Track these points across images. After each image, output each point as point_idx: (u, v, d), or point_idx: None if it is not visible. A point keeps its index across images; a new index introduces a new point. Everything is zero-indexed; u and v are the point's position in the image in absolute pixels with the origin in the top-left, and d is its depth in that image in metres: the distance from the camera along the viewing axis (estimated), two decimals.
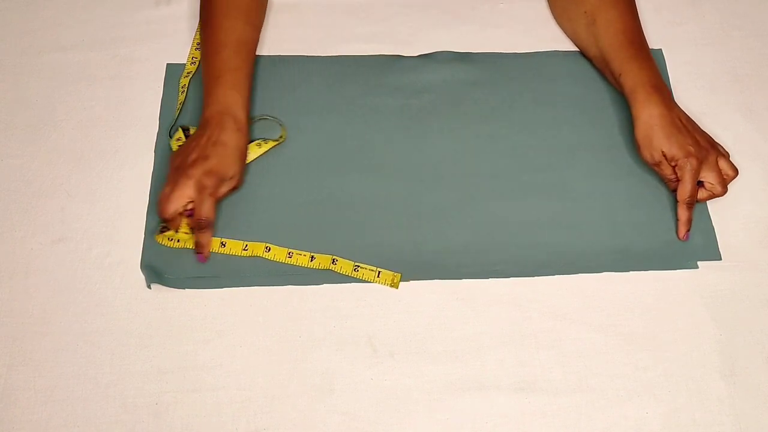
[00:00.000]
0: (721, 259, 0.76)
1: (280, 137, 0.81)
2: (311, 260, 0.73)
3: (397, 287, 0.73)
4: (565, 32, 0.90)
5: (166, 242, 0.74)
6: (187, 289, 0.72)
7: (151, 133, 0.82)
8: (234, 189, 0.76)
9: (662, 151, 0.75)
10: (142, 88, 0.85)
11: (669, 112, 0.76)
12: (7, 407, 0.66)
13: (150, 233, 0.75)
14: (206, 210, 0.71)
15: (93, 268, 0.73)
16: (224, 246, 0.74)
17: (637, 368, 0.70)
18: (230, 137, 0.74)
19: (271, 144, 0.80)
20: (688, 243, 0.76)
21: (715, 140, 0.79)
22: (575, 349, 0.70)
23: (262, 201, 0.77)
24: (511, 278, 0.74)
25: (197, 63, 0.86)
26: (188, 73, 0.85)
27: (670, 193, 0.79)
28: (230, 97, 0.76)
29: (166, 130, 0.81)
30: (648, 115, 0.76)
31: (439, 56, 0.88)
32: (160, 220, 0.74)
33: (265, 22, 0.90)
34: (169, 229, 0.74)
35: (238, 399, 0.67)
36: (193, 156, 0.72)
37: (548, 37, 0.91)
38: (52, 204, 0.77)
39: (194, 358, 0.69)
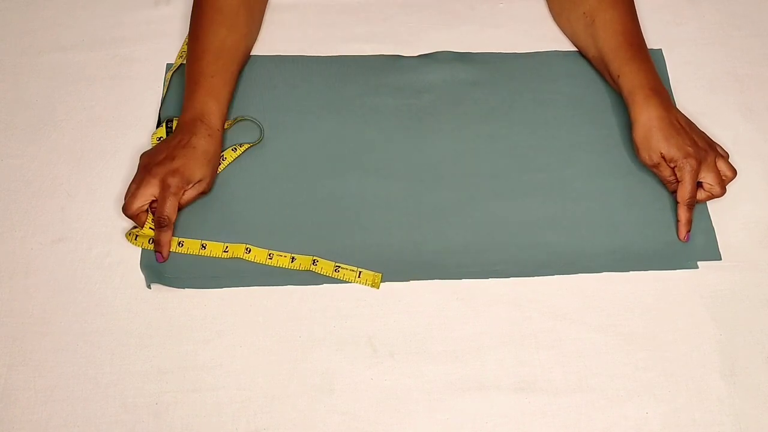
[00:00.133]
0: (721, 259, 0.76)
1: (259, 139, 0.81)
2: (292, 261, 0.73)
3: (378, 287, 0.73)
4: (565, 33, 0.90)
5: (132, 240, 0.74)
6: (187, 289, 0.72)
7: (150, 133, 0.82)
8: (202, 193, 0.76)
9: (661, 153, 0.75)
10: (141, 88, 0.85)
11: (667, 114, 0.76)
12: (7, 407, 0.66)
13: None
14: (168, 209, 0.72)
15: (93, 268, 0.73)
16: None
17: (637, 368, 0.70)
18: (199, 142, 0.75)
19: (246, 147, 0.80)
20: (688, 243, 0.76)
21: (714, 141, 0.79)
22: (575, 349, 0.70)
23: (262, 202, 0.77)
24: (511, 278, 0.74)
25: (183, 57, 0.86)
26: (176, 67, 0.85)
27: (669, 193, 0.79)
28: (205, 105, 0.77)
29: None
30: (646, 117, 0.76)
31: (439, 56, 0.88)
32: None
33: (265, 22, 0.90)
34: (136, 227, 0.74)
35: (238, 399, 0.67)
36: (161, 156, 0.73)
37: (548, 37, 0.91)
38: (52, 204, 0.77)
39: (194, 358, 0.69)
